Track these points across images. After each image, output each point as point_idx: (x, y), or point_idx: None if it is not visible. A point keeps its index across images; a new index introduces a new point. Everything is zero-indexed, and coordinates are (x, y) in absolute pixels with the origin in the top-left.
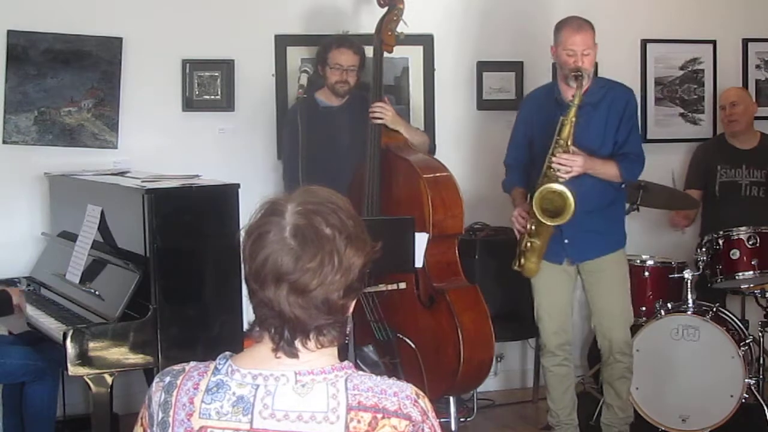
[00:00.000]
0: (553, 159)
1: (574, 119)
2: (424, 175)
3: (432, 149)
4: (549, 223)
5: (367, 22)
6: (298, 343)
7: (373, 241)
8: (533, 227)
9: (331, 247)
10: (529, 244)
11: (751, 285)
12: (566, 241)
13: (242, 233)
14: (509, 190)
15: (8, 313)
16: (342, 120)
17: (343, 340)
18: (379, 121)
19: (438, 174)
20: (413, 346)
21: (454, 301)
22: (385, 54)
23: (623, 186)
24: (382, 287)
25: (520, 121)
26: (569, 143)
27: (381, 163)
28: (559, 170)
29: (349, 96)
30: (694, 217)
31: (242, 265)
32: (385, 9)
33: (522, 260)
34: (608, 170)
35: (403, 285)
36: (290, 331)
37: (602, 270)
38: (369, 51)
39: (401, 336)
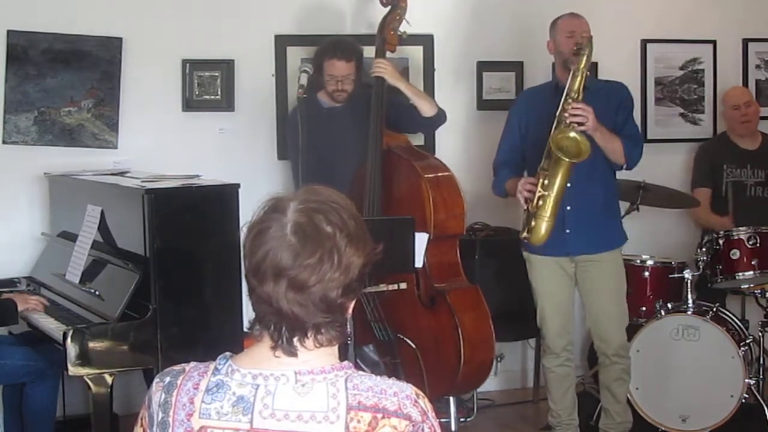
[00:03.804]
0: (567, 108)
1: (584, 69)
2: (426, 175)
3: (443, 115)
4: (567, 160)
5: (368, 21)
6: (296, 342)
7: (373, 241)
8: (546, 180)
9: (331, 245)
10: (541, 202)
11: (751, 285)
12: (568, 231)
13: (244, 230)
14: (502, 186)
15: (13, 323)
16: (344, 120)
17: (342, 340)
18: (379, 73)
19: (439, 174)
20: (414, 346)
21: (455, 302)
22: (387, 53)
23: (624, 168)
24: (382, 287)
25: (513, 118)
26: (580, 95)
27: (382, 163)
28: (573, 120)
29: (351, 96)
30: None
31: (242, 263)
32: (388, 8)
33: (532, 222)
34: (614, 142)
35: (403, 285)
36: (288, 328)
37: (599, 268)
38: (370, 51)
39: (401, 336)
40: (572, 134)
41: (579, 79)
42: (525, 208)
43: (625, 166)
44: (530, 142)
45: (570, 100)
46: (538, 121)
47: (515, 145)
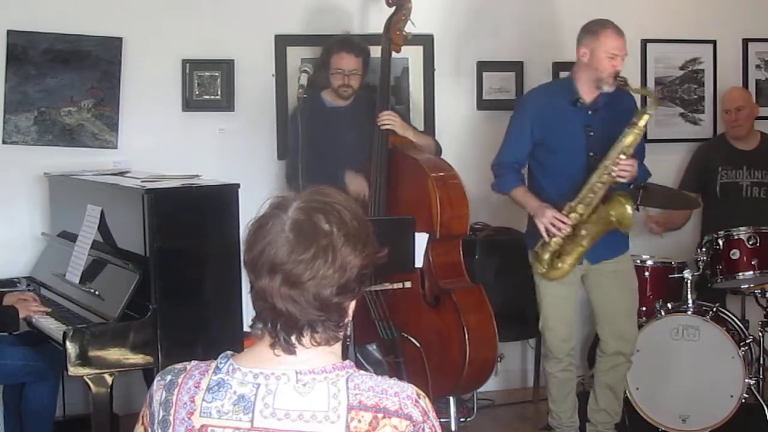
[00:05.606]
0: (620, 164)
1: (643, 127)
2: (432, 174)
3: (438, 152)
4: (623, 230)
5: (367, 22)
6: (293, 339)
7: (378, 245)
8: (584, 231)
9: (327, 242)
10: (570, 248)
11: (751, 285)
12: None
13: (248, 226)
14: (509, 189)
15: (14, 330)
16: (349, 120)
17: (339, 341)
18: (387, 127)
19: (445, 173)
20: (418, 344)
21: (460, 301)
22: (392, 54)
23: (630, 187)
24: (387, 286)
25: (525, 120)
26: (631, 151)
27: (388, 162)
28: (620, 175)
29: (356, 96)
30: (684, 222)
31: (242, 262)
32: (393, 9)
33: (558, 264)
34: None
35: (408, 284)
36: (283, 325)
37: (618, 270)
38: (374, 51)
39: (405, 335)
40: (629, 209)
41: (635, 137)
42: (545, 240)
43: (630, 186)
44: (548, 148)
45: (623, 155)
46: (558, 134)
47: (524, 150)
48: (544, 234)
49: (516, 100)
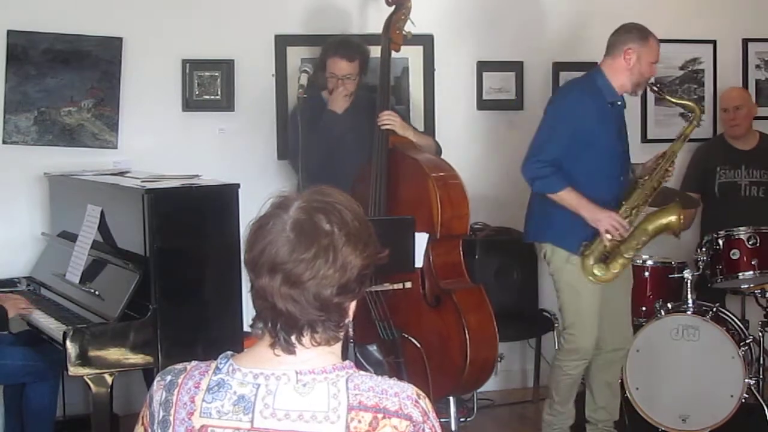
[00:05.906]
0: (669, 171)
1: (689, 134)
2: (432, 174)
3: (438, 153)
4: (675, 235)
5: (367, 21)
6: (293, 339)
7: (380, 246)
8: (637, 242)
9: (328, 242)
10: (630, 253)
11: (751, 285)
12: None
13: (248, 226)
14: (558, 190)
15: (3, 330)
16: (349, 119)
17: (340, 340)
18: (387, 127)
19: (446, 173)
20: (419, 345)
21: (461, 301)
22: (392, 53)
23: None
24: (387, 286)
25: (567, 118)
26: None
27: (388, 162)
28: (668, 179)
29: (356, 96)
30: (690, 221)
31: (242, 262)
32: (393, 8)
33: (612, 266)
34: None
35: (408, 284)
36: (283, 325)
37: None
38: (375, 51)
39: (406, 335)
40: (678, 214)
41: (682, 144)
42: (603, 242)
43: None
44: (588, 151)
45: (671, 162)
46: (600, 135)
47: (563, 149)
48: (605, 236)
49: (554, 98)
